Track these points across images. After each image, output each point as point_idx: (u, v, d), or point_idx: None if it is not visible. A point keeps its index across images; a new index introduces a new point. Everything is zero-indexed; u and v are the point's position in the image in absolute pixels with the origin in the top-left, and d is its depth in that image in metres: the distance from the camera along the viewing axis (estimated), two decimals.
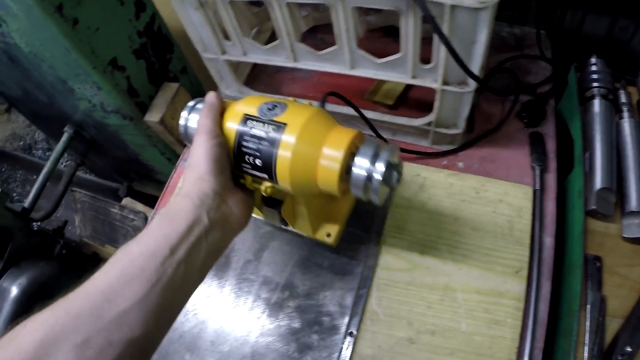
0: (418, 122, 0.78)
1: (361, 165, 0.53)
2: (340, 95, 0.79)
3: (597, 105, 0.73)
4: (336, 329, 0.70)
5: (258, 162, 0.56)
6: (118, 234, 1.33)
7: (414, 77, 0.69)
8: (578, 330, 0.60)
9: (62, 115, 1.10)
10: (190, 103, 0.62)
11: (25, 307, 0.98)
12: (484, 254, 0.71)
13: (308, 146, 0.54)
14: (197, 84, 1.05)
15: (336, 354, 0.68)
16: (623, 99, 0.73)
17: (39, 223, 1.11)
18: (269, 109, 0.56)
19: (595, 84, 0.74)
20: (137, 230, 1.25)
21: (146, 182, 1.39)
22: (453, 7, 0.57)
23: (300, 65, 0.76)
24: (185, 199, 0.50)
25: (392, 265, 0.73)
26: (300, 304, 0.73)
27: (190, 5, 0.73)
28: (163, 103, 0.89)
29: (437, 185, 0.79)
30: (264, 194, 0.59)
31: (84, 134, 1.15)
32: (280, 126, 0.55)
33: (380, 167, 0.53)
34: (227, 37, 0.78)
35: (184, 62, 1.01)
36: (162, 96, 0.91)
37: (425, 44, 0.65)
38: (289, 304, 0.73)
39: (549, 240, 0.71)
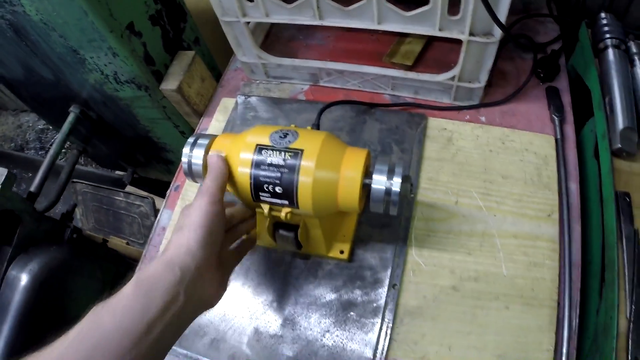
0: (442, 77, 0.82)
1: (379, 182, 0.59)
2: (342, 101, 0.87)
3: (611, 54, 0.78)
4: (379, 283, 0.71)
5: (278, 189, 0.59)
6: (123, 222, 1.29)
7: (440, 29, 0.72)
8: (618, 263, 0.63)
9: (68, 94, 1.07)
10: (190, 139, 0.65)
11: (38, 295, 0.93)
12: (516, 200, 0.75)
13: (327, 169, 0.58)
14: (209, 56, 1.05)
15: (381, 308, 0.69)
16: (634, 49, 0.79)
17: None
18: (281, 137, 0.60)
19: (607, 36, 0.79)
20: (144, 217, 1.24)
21: (152, 165, 1.37)
22: None
23: (326, 22, 0.78)
24: (166, 269, 0.49)
25: (429, 215, 0.76)
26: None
27: None
28: (180, 71, 0.89)
29: (464, 137, 0.82)
30: (283, 220, 0.63)
31: (90, 114, 1.12)
32: (297, 152, 0.59)
33: (398, 181, 0.58)
34: None
35: (196, 33, 1.02)
36: (177, 64, 0.91)
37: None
38: (327, 261, 0.75)
39: (573, 187, 0.76)
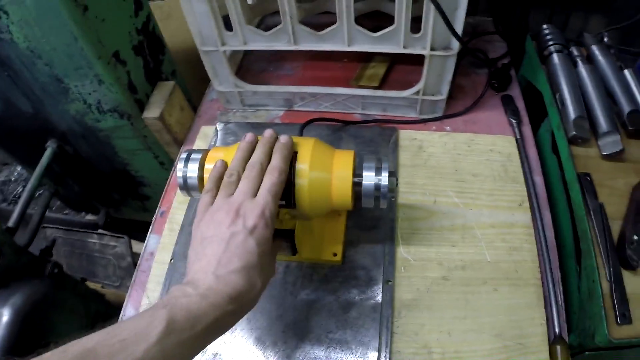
0: (408, 92, 0.92)
1: (369, 178, 0.65)
2: (321, 118, 0.95)
3: (556, 58, 0.92)
4: (373, 280, 0.75)
5: None
6: (97, 266, 1.27)
7: (405, 46, 0.83)
8: (590, 233, 0.72)
9: (46, 128, 1.10)
10: (183, 155, 0.69)
11: (21, 330, 0.90)
12: (488, 194, 0.83)
13: (320, 170, 0.64)
14: (185, 88, 1.11)
15: (379, 304, 0.73)
16: (575, 52, 0.93)
17: None
18: None
19: (551, 43, 0.93)
20: (120, 258, 1.22)
21: (128, 202, 1.37)
22: None
23: (301, 47, 0.87)
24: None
25: (411, 215, 0.82)
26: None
27: None
28: (161, 100, 0.94)
29: (434, 144, 0.91)
30: (280, 222, 0.67)
31: (66, 149, 1.14)
32: (293, 153, 0.64)
33: (385, 176, 0.65)
34: (227, 28, 0.87)
35: (173, 66, 1.08)
36: (158, 94, 0.96)
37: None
38: (321, 265, 0.78)
39: (538, 179, 0.85)
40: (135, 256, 1.28)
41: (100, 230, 1.39)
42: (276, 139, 0.65)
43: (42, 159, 1.10)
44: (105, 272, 1.29)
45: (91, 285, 1.23)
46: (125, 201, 1.40)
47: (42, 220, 1.10)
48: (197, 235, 0.58)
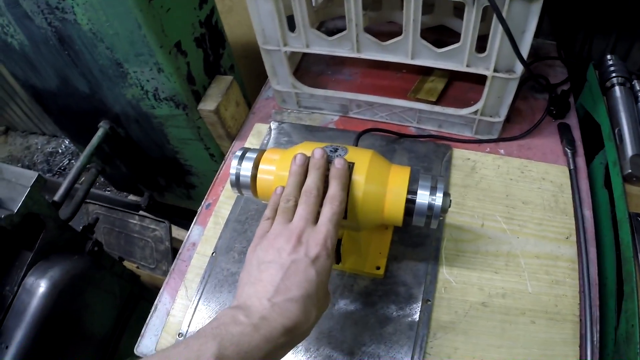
0: (466, 111, 0.92)
1: (423, 196, 0.64)
2: (376, 129, 0.96)
3: (618, 91, 0.91)
4: (413, 298, 0.76)
5: None
6: (135, 247, 1.32)
7: (468, 65, 0.83)
8: (636, 275, 0.71)
9: (100, 109, 1.14)
10: (238, 152, 0.70)
11: (56, 303, 0.94)
12: (536, 224, 0.83)
13: (375, 183, 0.64)
14: (241, 84, 1.13)
15: (415, 323, 0.74)
16: (638, 86, 0.92)
17: None
18: (332, 151, 0.66)
19: (614, 75, 0.92)
20: (158, 241, 1.26)
21: (172, 189, 1.41)
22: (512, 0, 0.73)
23: (363, 55, 0.88)
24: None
25: (458, 236, 0.83)
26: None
27: None
28: (218, 93, 0.97)
29: (487, 167, 0.92)
30: None
31: (118, 131, 1.18)
32: (349, 166, 0.64)
33: (440, 196, 0.64)
34: (290, 28, 0.89)
35: (232, 60, 1.11)
36: (216, 87, 0.99)
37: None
38: (362, 277, 0.80)
39: (587, 213, 0.85)
40: (173, 241, 1.32)
41: (141, 212, 1.43)
42: (327, 158, 0.64)
43: (94, 138, 1.14)
44: (142, 254, 1.33)
45: (127, 265, 1.27)
46: (170, 187, 1.43)
47: (86, 196, 1.13)
48: (253, 259, 0.57)
